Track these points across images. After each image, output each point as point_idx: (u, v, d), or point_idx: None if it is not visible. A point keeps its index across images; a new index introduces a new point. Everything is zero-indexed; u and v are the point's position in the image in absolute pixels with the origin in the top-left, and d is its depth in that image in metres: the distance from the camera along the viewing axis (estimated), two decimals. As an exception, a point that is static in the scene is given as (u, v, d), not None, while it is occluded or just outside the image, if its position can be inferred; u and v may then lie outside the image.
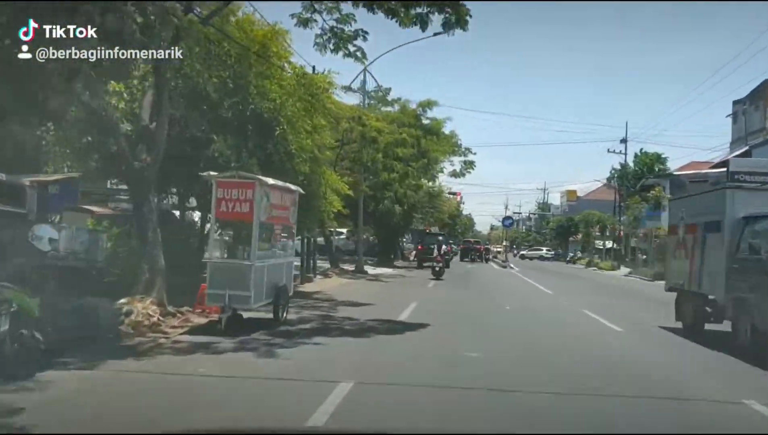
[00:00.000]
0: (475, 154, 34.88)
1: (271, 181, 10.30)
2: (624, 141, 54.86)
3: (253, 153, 14.15)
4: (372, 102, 30.65)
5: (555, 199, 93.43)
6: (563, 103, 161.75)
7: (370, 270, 28.82)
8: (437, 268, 23.74)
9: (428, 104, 33.11)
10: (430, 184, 37.13)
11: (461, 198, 70.81)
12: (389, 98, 32.69)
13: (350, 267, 27.93)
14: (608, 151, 54.90)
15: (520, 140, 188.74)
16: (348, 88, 28.45)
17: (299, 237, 23.85)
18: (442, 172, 33.36)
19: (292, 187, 11.51)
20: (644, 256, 53.42)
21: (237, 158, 13.67)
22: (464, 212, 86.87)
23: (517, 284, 24.74)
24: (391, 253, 37.42)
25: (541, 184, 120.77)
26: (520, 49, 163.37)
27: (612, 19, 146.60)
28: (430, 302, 15.61)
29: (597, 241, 56.40)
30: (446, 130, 34.88)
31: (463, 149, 34.77)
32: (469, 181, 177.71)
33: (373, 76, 28.26)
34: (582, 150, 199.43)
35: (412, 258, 46.53)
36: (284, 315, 10.97)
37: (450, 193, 52.28)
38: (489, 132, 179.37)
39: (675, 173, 44.45)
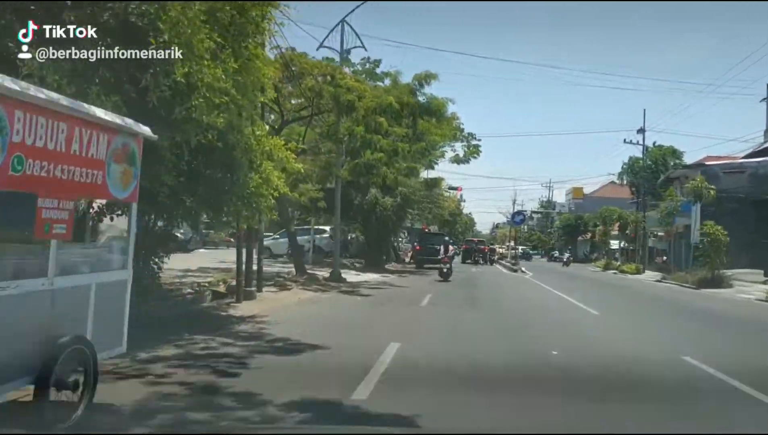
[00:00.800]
0: (479, 140, 28.67)
1: (8, 81, 3.90)
2: (641, 131, 48.45)
3: (116, 86, 7.95)
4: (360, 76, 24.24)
5: (558, 197, 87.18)
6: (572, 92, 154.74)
7: (352, 276, 22.40)
8: (444, 270, 22.55)
9: (426, 77, 26.72)
10: (427, 172, 30.87)
11: (461, 195, 64.49)
12: (379, 71, 26.38)
13: (327, 272, 21.53)
14: (624, 141, 48.50)
15: (522, 131, 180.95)
16: (341, 60, 22.13)
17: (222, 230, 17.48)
18: (443, 157, 26.93)
19: (112, 117, 5.13)
20: (664, 258, 47.09)
21: (82, 91, 7.45)
22: (464, 211, 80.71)
23: (543, 297, 18.23)
24: (383, 254, 30.95)
25: (542, 182, 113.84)
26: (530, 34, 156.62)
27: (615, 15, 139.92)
28: (422, 341, 9.20)
29: (613, 241, 49.93)
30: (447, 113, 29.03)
31: (466, 134, 28.57)
32: (469, 172, 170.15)
33: (354, 31, 21.75)
34: (591, 141, 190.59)
35: (408, 260, 40.29)
36: (83, 402, 4.62)
37: (450, 188, 45.75)
38: (492, 123, 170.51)
39: (707, 163, 38.04)
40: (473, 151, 27.76)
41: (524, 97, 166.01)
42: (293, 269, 21.44)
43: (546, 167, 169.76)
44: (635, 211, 43.30)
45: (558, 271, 37.69)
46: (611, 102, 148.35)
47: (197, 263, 20.45)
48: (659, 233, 48.16)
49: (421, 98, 27.78)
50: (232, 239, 51.58)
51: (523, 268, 32.99)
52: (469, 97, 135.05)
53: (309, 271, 21.49)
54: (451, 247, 27.22)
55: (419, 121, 25.75)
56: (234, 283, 13.79)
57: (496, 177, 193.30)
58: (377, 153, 19.01)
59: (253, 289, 13.18)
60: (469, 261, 42.47)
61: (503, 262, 44.88)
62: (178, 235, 34.63)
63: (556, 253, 66.29)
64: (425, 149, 23.08)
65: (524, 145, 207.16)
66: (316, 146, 21.93)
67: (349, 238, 33.93)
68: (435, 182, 29.50)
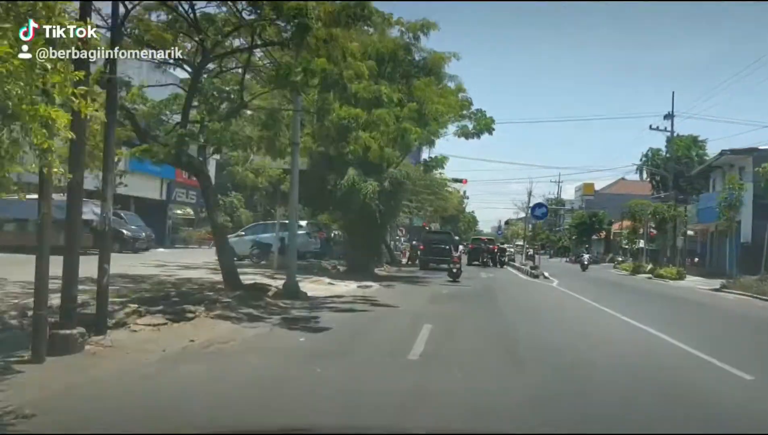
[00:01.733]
0: (490, 118, 22.07)
1: None
2: (670, 116, 41.53)
3: None
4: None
5: (566, 194, 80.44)
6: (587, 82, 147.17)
7: (321, 286, 15.71)
8: (454, 270, 21.88)
9: (423, 27, 20.37)
10: (429, 150, 24.20)
11: (465, 191, 57.66)
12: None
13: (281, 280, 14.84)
14: (650, 127, 41.65)
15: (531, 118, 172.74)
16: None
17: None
18: (445, 129, 20.30)
19: None
20: (696, 259, 40.38)
21: None
22: (467, 209, 74.12)
23: (616, 333, 11.08)
24: (372, 255, 24.22)
25: (550, 178, 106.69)
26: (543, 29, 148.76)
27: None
28: None
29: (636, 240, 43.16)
30: (451, 86, 22.43)
31: (474, 111, 21.97)
32: (471, 159, 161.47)
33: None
34: (606, 130, 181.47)
35: (404, 260, 33.66)
36: None
37: (455, 180, 38.71)
38: (497, 117, 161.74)
39: (761, 148, 31.31)
40: (486, 125, 21.11)
41: (534, 83, 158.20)
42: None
43: (554, 160, 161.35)
44: (674, 204, 36.35)
45: (581, 275, 30.99)
46: (630, 87, 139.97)
47: (123, 269, 14.19)
48: (689, 232, 41.51)
49: (417, 55, 21.57)
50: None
51: (546, 273, 26.27)
52: (476, 90, 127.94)
53: (260, 281, 14.88)
54: (461, 247, 26.16)
55: (414, 82, 19.31)
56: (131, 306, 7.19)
57: (502, 161, 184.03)
58: (351, 108, 12.31)
59: (74, 331, 6.47)
60: (476, 262, 35.67)
61: (516, 264, 38.04)
62: (125, 231, 27.76)
63: (530, 252, 59.33)
64: (420, 113, 16.37)
65: (533, 135, 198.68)
66: (278, 110, 15.22)
67: (333, 235, 27.24)
68: (437, 162, 22.78)
